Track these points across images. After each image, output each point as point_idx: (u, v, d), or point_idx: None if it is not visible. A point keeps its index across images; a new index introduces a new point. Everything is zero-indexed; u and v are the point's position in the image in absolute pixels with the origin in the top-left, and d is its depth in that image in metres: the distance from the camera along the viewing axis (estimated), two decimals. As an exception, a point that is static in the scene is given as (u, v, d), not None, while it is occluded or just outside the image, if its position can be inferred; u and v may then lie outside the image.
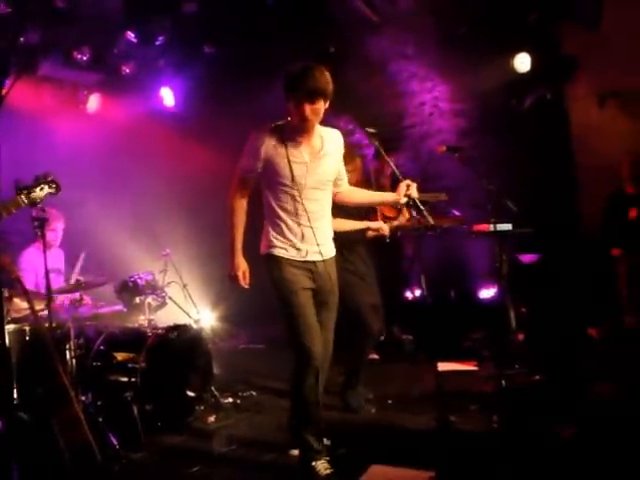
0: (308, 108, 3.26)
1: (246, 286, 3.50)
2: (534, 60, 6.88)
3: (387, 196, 3.79)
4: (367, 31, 7.68)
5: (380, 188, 5.08)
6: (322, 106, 3.32)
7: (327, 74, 3.27)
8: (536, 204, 6.45)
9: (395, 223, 5.10)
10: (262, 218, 3.59)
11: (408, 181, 3.59)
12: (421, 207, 3.53)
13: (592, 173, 6.81)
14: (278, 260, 3.46)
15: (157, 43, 6.87)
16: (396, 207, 4.54)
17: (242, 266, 3.48)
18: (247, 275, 3.50)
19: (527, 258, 6.68)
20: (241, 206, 3.48)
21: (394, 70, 7.98)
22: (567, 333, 6.03)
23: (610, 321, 6.12)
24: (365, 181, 4.97)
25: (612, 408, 4.05)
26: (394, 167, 3.80)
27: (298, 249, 3.47)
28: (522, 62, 6.90)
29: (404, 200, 3.59)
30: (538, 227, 5.70)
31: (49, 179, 3.64)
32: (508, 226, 5.38)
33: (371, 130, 3.87)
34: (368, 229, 4.72)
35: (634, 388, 4.53)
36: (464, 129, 7.70)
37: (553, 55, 7.01)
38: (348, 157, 4.68)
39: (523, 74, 6.94)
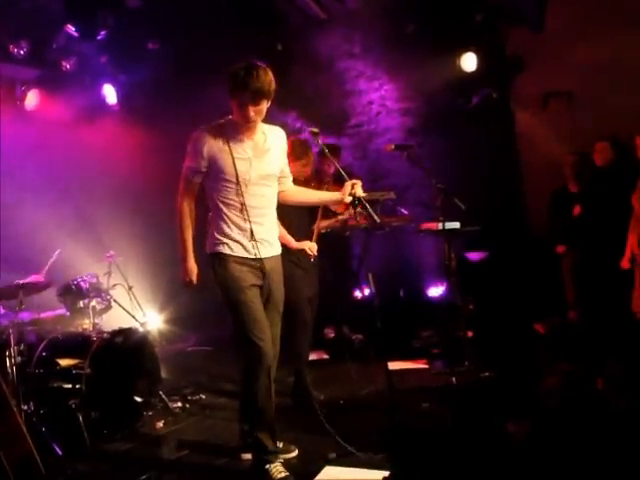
0: (252, 109, 3.30)
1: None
2: (480, 60, 6.98)
3: (332, 195, 3.80)
4: (315, 29, 7.70)
5: (321, 187, 5.10)
6: (265, 106, 3.37)
7: (270, 74, 3.31)
8: (483, 202, 6.55)
9: (341, 218, 5.12)
10: (205, 217, 3.57)
11: (354, 180, 3.60)
12: (367, 205, 3.54)
13: (537, 171, 6.98)
14: (224, 258, 3.46)
15: (99, 38, 6.71)
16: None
17: (194, 270, 3.53)
18: (197, 278, 3.55)
19: (475, 256, 6.79)
20: (189, 208, 3.50)
21: (342, 68, 8.02)
22: (514, 329, 6.16)
23: (555, 316, 6.27)
24: (315, 175, 4.98)
25: (561, 402, 4.14)
26: (338, 166, 3.84)
27: (244, 246, 3.47)
28: (468, 61, 7.00)
29: (349, 199, 3.59)
30: (485, 225, 5.80)
31: None
32: (456, 224, 5.47)
33: (314, 130, 3.88)
34: (311, 215, 4.73)
35: (580, 381, 4.65)
36: (411, 128, 7.79)
37: (499, 55, 7.14)
38: (301, 150, 4.70)
39: (469, 73, 7.04)
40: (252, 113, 3.31)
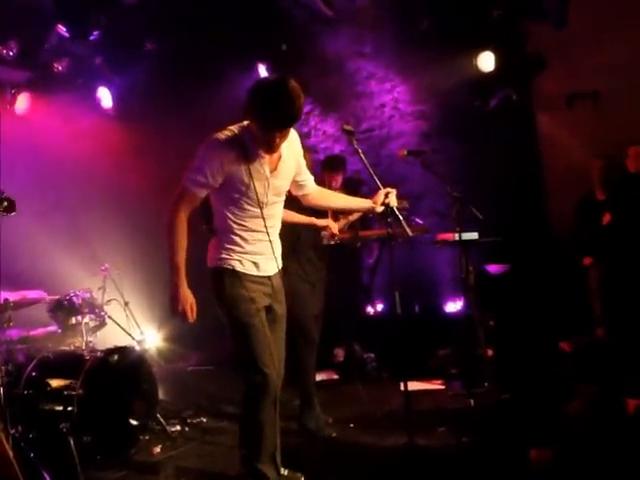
0: (278, 136, 3.18)
1: (192, 320, 3.32)
2: (499, 59, 6.97)
3: (362, 203, 3.78)
4: (322, 28, 7.72)
5: None
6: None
7: (300, 93, 3.10)
8: (503, 211, 6.54)
9: (350, 218, 5.14)
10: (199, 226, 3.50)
11: (388, 189, 3.59)
12: (400, 217, 3.55)
13: (561, 177, 6.95)
14: (236, 275, 3.38)
15: (92, 38, 6.74)
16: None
17: (189, 298, 3.31)
18: (194, 308, 3.33)
19: (495, 268, 6.76)
20: (184, 224, 3.29)
21: (351, 69, 8.04)
22: (538, 348, 6.12)
23: (583, 334, 6.22)
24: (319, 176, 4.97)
25: (588, 428, 4.10)
26: (372, 171, 3.73)
27: (256, 264, 3.42)
28: (486, 61, 6.99)
29: (380, 209, 3.59)
30: (506, 235, 5.78)
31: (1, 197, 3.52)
32: (474, 235, 5.45)
33: (348, 127, 3.84)
34: (316, 228, 4.71)
35: (609, 404, 4.61)
36: (426, 132, 7.80)
37: (518, 53, 7.12)
38: None
39: (487, 73, 7.03)
40: (278, 140, 3.19)
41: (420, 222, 5.72)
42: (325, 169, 5.62)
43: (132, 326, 5.65)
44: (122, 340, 5.35)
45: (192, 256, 3.48)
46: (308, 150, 4.92)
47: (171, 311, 3.31)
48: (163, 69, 7.44)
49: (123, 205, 7.54)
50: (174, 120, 7.52)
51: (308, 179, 3.69)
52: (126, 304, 5.71)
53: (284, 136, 3.22)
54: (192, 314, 3.31)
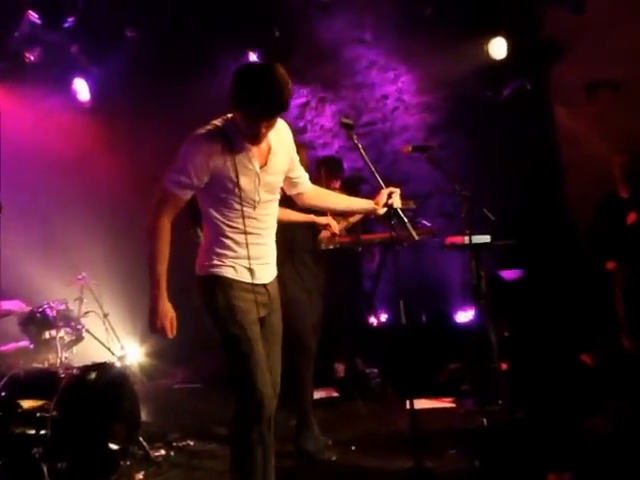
0: (265, 126, 3.17)
1: (172, 336, 3.29)
2: (511, 45, 6.97)
3: (363, 204, 3.75)
4: (318, 12, 7.72)
5: None
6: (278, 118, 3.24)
7: (288, 80, 3.09)
8: (518, 211, 6.54)
9: (351, 220, 5.14)
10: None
11: (391, 188, 3.58)
12: (405, 219, 3.54)
13: (580, 173, 6.94)
14: (228, 283, 3.33)
15: (66, 25, 6.72)
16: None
17: (169, 313, 3.27)
18: (174, 323, 3.29)
19: (509, 274, 6.75)
20: (166, 231, 3.25)
21: (350, 58, 8.04)
22: (557, 360, 6.10)
23: (606, 345, 6.21)
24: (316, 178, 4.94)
25: (612, 448, 4.08)
26: (373, 168, 3.72)
27: (250, 269, 3.37)
28: (498, 47, 6.99)
29: (383, 210, 3.58)
30: (521, 238, 5.77)
31: None
32: (486, 238, 5.44)
33: (347, 120, 3.83)
34: (315, 227, 4.69)
35: (635, 422, 4.59)
36: (433, 125, 7.80)
37: (533, 40, 7.13)
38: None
39: (499, 61, 7.03)
40: (264, 130, 3.18)
41: (427, 224, 5.74)
42: (322, 171, 5.61)
43: (112, 340, 5.65)
44: (101, 356, 5.33)
45: (175, 264, 3.43)
46: (304, 146, 4.91)
47: (150, 327, 3.28)
48: (145, 59, 7.44)
49: (103, 208, 7.53)
50: (158, 114, 7.50)
51: (302, 176, 3.67)
52: (105, 316, 5.71)
53: (271, 126, 3.21)
54: (172, 330, 3.29)
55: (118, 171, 7.53)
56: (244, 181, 3.25)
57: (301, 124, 8.17)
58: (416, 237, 3.58)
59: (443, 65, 7.09)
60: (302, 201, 3.72)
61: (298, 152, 4.25)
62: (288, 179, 3.57)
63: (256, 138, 3.22)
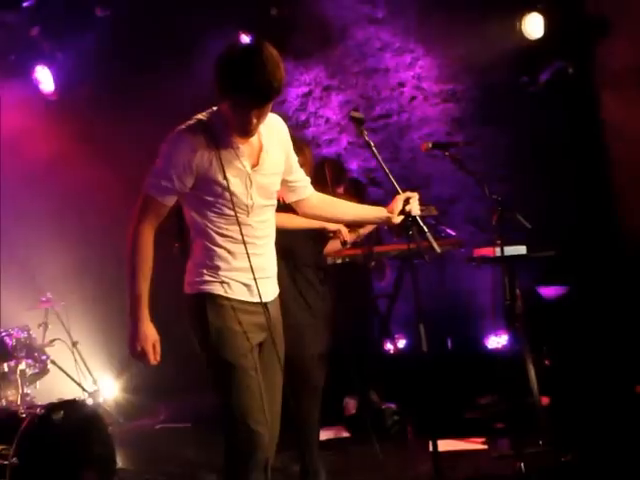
0: (256, 115, 3.19)
1: (156, 362, 3.33)
2: (550, 22, 6.98)
3: (376, 212, 3.74)
4: (320, -15, 7.75)
5: None
6: (270, 106, 3.24)
7: (279, 58, 3.12)
8: (559, 217, 6.53)
9: (362, 231, 5.13)
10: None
11: (408, 193, 3.58)
12: (425, 229, 3.54)
13: (633, 172, 6.94)
14: (219, 302, 3.34)
15: (25, 4, 6.76)
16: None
17: (152, 336, 3.30)
18: (158, 348, 3.33)
19: (550, 291, 6.74)
20: (148, 244, 3.29)
21: (360, 39, 8.06)
22: (608, 393, 6.08)
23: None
24: (319, 181, 4.96)
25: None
26: (388, 170, 3.70)
27: (246, 285, 3.38)
28: (534, 25, 7.00)
29: (399, 219, 3.58)
30: (563, 249, 5.76)
31: None
32: (521, 248, 5.44)
33: (357, 114, 3.84)
34: (319, 237, 4.71)
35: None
36: (457, 118, 7.82)
37: (575, 15, 7.14)
38: (295, 148, 4.69)
39: (535, 41, 7.04)
40: (254, 122, 3.20)
41: (452, 234, 5.74)
42: (328, 173, 5.63)
43: (82, 373, 5.65)
44: (69, 392, 5.33)
45: (159, 283, 3.46)
46: (307, 144, 4.93)
47: (130, 352, 3.31)
48: (119, 42, 7.46)
49: (70, 218, 7.54)
50: (135, 107, 7.52)
51: (302, 179, 3.66)
52: (74, 345, 5.73)
53: (262, 115, 3.22)
54: (155, 355, 3.31)
55: (89, 176, 7.54)
56: (234, 182, 3.27)
57: (303, 117, 8.19)
58: (438, 249, 3.58)
59: (470, 46, 7.13)
60: (303, 210, 3.72)
61: (301, 151, 4.28)
62: (285, 183, 3.58)
63: (247, 131, 3.24)
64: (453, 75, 7.84)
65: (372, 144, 3.78)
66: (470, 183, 6.17)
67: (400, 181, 3.71)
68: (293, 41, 7.40)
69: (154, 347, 3.30)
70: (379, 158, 3.75)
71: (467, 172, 5.28)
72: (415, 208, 3.57)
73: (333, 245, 4.84)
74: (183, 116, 3.35)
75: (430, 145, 5.08)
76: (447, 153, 5.12)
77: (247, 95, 3.11)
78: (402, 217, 3.59)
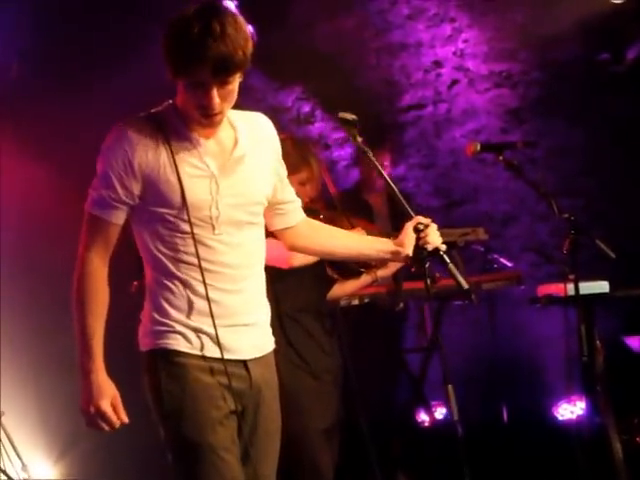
0: (215, 94, 3.21)
1: (117, 424, 3.31)
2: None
3: (380, 245, 3.75)
4: None
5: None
6: (237, 84, 3.27)
7: (243, 24, 3.21)
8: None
9: (380, 274, 5.06)
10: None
11: (420, 218, 3.55)
12: (447, 261, 3.48)
13: None
14: (173, 360, 3.32)
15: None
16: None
17: (109, 390, 3.30)
18: (119, 405, 3.31)
19: (640, 343, 6.71)
20: (101, 278, 3.32)
21: (381, 6, 8.05)
22: None
23: None
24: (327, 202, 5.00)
25: None
26: (392, 183, 3.77)
27: (210, 336, 3.34)
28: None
29: (408, 252, 3.54)
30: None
31: None
32: (603, 285, 5.43)
33: (347, 116, 3.83)
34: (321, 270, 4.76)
35: None
36: (514, 109, 7.83)
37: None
38: (296, 157, 4.67)
39: (619, 8, 7.03)
40: (216, 99, 3.21)
41: (508, 264, 5.71)
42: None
43: (8, 455, 5.60)
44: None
45: (116, 331, 3.47)
46: (312, 150, 4.90)
47: (82, 414, 3.30)
48: (56, 15, 7.47)
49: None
50: (86, 100, 7.53)
51: (292, 201, 3.69)
52: (-2, 416, 5.70)
53: (228, 95, 3.25)
54: (118, 414, 3.30)
55: (24, 184, 7.56)
56: (191, 185, 3.28)
57: (307, 108, 8.16)
58: (465, 285, 3.52)
59: (530, 14, 7.13)
60: (290, 241, 3.75)
61: (306, 162, 4.38)
62: (271, 205, 3.59)
63: (208, 115, 3.25)
64: (508, 52, 7.85)
65: (370, 153, 3.77)
66: (531, 197, 6.17)
67: (437, 194, 3.67)
68: (291, 9, 7.41)
69: (113, 404, 3.27)
70: (380, 169, 3.82)
71: (527, 182, 5.26)
72: (434, 237, 3.53)
73: (344, 287, 4.81)
74: (139, 108, 3.39)
75: (478, 147, 5.08)
76: (500, 157, 5.11)
77: (202, 69, 3.14)
78: (412, 250, 3.55)
